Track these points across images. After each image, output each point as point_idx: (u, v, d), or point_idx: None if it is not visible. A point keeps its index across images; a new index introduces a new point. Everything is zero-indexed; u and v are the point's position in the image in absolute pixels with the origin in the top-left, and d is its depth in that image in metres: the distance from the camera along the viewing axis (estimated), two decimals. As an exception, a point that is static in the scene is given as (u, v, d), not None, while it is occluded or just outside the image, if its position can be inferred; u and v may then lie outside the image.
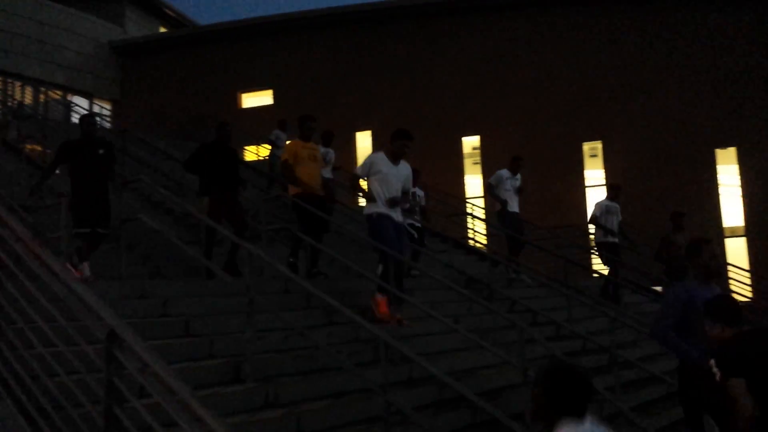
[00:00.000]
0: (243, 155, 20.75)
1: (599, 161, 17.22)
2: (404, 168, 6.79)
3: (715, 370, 3.39)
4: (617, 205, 10.40)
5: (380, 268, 6.53)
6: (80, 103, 21.31)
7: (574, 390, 2.35)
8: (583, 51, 17.26)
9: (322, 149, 10.28)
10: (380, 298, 6.45)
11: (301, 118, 7.74)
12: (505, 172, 9.96)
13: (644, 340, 7.69)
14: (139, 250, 7.83)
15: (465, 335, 5.85)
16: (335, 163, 11.47)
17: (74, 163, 6.83)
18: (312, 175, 7.55)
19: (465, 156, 18.46)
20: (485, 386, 5.70)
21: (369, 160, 6.72)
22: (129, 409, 2.85)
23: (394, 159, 6.67)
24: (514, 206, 9.89)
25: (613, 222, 10.33)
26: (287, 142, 9.95)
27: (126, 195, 8.51)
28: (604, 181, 16.46)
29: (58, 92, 20.83)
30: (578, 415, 2.31)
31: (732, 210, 15.99)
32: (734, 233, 15.91)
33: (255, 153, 19.72)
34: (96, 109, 22.67)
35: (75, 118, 19.11)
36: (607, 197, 10.58)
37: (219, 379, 4.61)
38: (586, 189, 17.08)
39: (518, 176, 10.02)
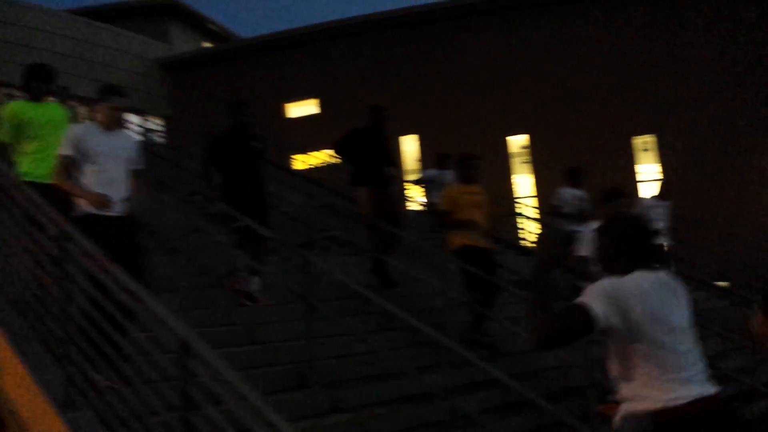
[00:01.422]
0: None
1: (651, 155, 16.85)
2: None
3: None
4: (665, 203, 8.52)
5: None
6: (134, 121, 21.95)
7: (639, 237, 2.40)
8: (631, 44, 16.92)
9: (436, 171, 9.67)
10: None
11: (462, 157, 6.58)
12: (567, 191, 8.24)
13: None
14: (199, 260, 7.96)
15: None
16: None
17: (227, 158, 6.11)
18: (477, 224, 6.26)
19: (513, 155, 18.30)
20: (551, 388, 5.61)
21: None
22: (204, 416, 2.91)
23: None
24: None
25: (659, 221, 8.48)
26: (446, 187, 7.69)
27: (184, 208, 8.67)
28: (657, 176, 16.08)
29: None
30: (646, 263, 2.32)
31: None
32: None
33: (302, 162, 19.93)
34: (149, 125, 23.29)
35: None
36: (654, 195, 8.87)
37: (284, 384, 4.66)
38: (639, 184, 16.71)
39: (581, 192, 8.24)
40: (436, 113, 18.33)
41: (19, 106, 4.98)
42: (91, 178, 4.21)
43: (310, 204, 10.98)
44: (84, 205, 4.18)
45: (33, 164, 4.82)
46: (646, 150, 16.96)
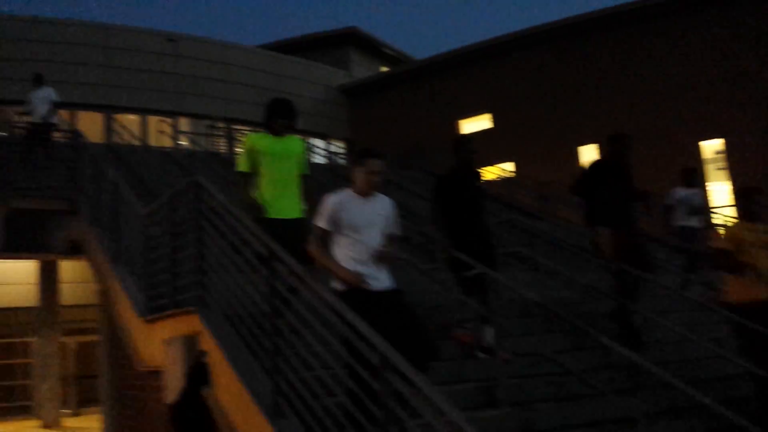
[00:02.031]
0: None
1: None
2: None
3: None
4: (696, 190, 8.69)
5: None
6: (318, 144, 23.35)
7: None
8: None
9: (684, 191, 8.47)
10: None
11: (744, 191, 5.55)
12: (679, 191, 8.49)
13: None
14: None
15: (736, 362, 5.25)
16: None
17: (452, 198, 5.77)
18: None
19: (707, 161, 16.92)
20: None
21: None
22: (402, 429, 2.99)
23: None
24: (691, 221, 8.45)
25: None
26: (729, 225, 6.97)
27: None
28: None
29: (298, 136, 23.01)
30: None
31: None
32: None
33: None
34: (332, 148, 24.65)
35: (316, 159, 20.96)
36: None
37: (472, 402, 4.65)
38: None
39: (695, 191, 8.65)
40: (617, 120, 17.48)
41: (258, 138, 5.10)
42: (347, 250, 3.87)
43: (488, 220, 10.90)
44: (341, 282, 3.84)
45: (271, 197, 4.85)
46: None
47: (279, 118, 5.13)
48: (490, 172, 18.38)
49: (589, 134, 18.21)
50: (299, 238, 4.33)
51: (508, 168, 19.90)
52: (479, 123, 22.04)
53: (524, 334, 5.86)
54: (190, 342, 5.28)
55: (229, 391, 4.40)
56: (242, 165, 5.04)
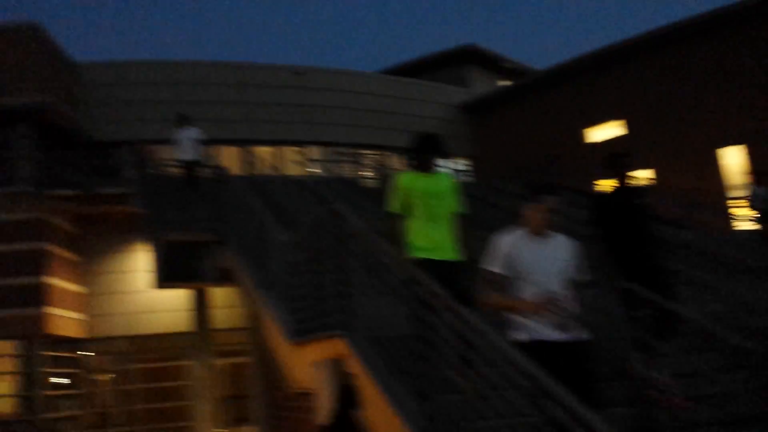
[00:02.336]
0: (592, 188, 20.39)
1: None
2: None
3: None
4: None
5: None
6: (442, 164, 23.44)
7: None
8: None
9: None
10: None
11: None
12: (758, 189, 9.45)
13: None
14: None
15: None
16: None
17: (610, 220, 5.34)
18: None
19: None
20: None
21: None
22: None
23: None
24: None
25: None
26: None
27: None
28: None
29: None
30: None
31: None
32: None
33: (608, 188, 19.19)
34: (456, 166, 24.73)
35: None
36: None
37: (629, 426, 4.46)
38: None
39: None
40: (764, 122, 16.24)
41: (407, 177, 4.92)
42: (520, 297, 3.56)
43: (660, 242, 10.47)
44: (519, 329, 3.55)
45: (422, 237, 4.71)
46: None
47: (428, 153, 4.94)
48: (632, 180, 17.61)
49: (734, 135, 17.04)
50: (459, 281, 4.24)
51: (645, 175, 19.01)
52: (609, 130, 21.25)
53: (682, 353, 5.56)
54: (337, 364, 5.46)
55: (378, 413, 4.51)
56: (393, 205, 4.83)
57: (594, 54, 21.61)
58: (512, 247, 3.61)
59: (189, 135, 11.67)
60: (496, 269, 3.62)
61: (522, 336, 3.51)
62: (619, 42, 20.98)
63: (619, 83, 20.76)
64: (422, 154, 4.94)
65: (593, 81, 21.53)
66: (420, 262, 4.43)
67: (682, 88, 18.83)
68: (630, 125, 20.45)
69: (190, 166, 11.40)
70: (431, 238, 4.70)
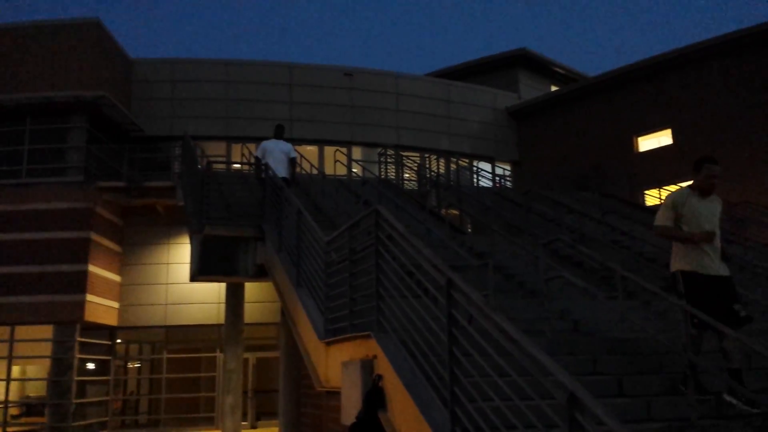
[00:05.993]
0: (644, 200, 19.93)
1: None
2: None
3: None
4: None
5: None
6: (485, 168, 23.30)
7: None
8: None
9: None
10: None
11: None
12: None
13: None
14: (558, 305, 7.94)
15: None
16: None
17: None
18: None
19: None
20: None
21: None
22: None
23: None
24: None
25: None
26: None
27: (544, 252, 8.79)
28: None
29: (465, 160, 23.12)
30: None
31: None
32: None
33: (657, 197, 18.77)
34: (498, 171, 24.48)
35: (482, 182, 20.92)
36: None
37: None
38: None
39: None
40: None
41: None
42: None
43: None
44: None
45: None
46: None
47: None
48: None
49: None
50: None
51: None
52: (658, 139, 20.76)
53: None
54: (367, 365, 5.43)
55: (405, 417, 4.46)
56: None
57: (646, 62, 21.18)
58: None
59: (282, 149, 10.99)
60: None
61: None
62: (671, 51, 20.53)
63: (668, 92, 20.30)
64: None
65: (644, 89, 21.09)
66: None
67: (735, 97, 18.28)
68: (676, 135, 19.97)
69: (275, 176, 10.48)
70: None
